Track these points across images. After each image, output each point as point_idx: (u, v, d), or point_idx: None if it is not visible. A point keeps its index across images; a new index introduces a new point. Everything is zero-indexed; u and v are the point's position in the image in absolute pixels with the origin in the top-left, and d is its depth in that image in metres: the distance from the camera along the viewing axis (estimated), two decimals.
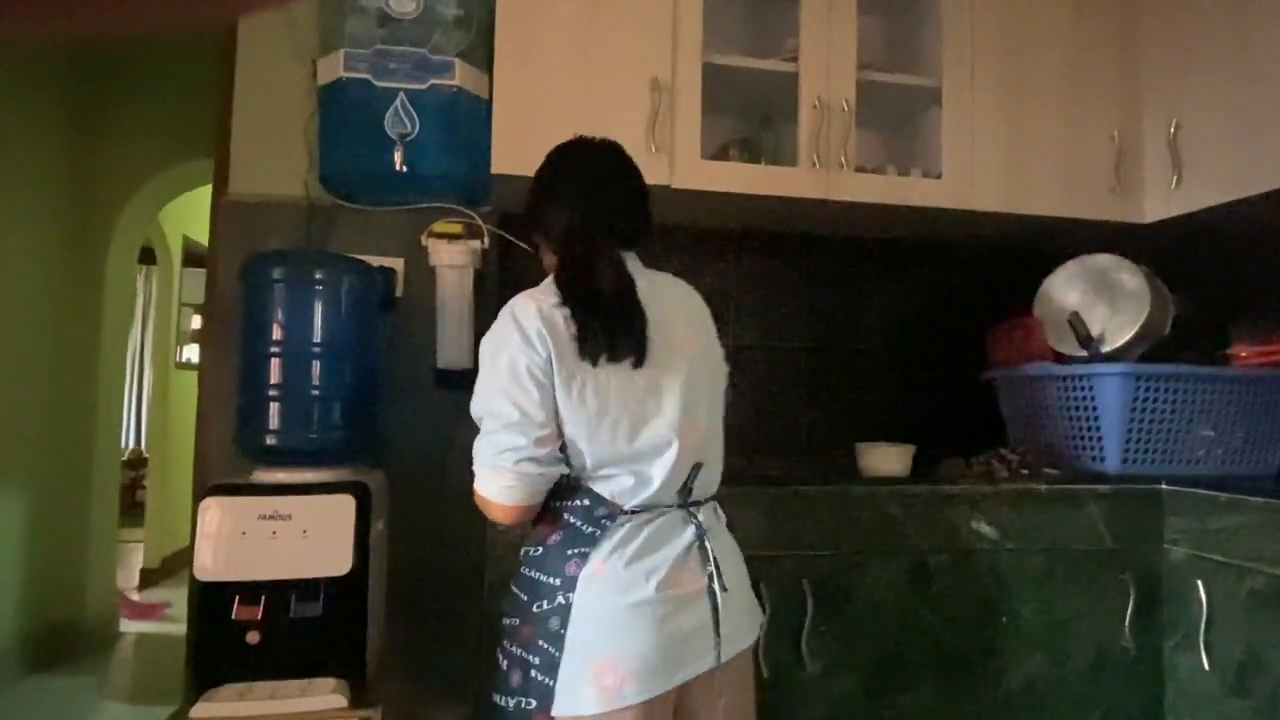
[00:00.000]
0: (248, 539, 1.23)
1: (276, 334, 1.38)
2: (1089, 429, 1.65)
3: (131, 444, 5.46)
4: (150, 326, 4.52)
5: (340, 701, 1.21)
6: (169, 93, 2.99)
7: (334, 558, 1.26)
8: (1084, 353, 1.69)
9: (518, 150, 1.56)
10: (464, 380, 1.78)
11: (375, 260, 1.67)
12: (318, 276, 1.43)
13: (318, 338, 1.42)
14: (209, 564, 1.24)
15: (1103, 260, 1.76)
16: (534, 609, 0.96)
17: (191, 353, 4.55)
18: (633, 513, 0.97)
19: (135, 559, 4.05)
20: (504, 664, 0.99)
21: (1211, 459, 1.64)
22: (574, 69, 1.59)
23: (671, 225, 1.94)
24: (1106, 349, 1.68)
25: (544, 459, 0.95)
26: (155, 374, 4.35)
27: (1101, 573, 1.46)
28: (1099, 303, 1.73)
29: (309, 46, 1.72)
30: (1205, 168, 1.68)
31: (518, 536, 1.25)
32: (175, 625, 3.28)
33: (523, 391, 0.95)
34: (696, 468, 1.01)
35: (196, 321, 4.66)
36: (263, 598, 1.24)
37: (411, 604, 1.66)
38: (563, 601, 0.94)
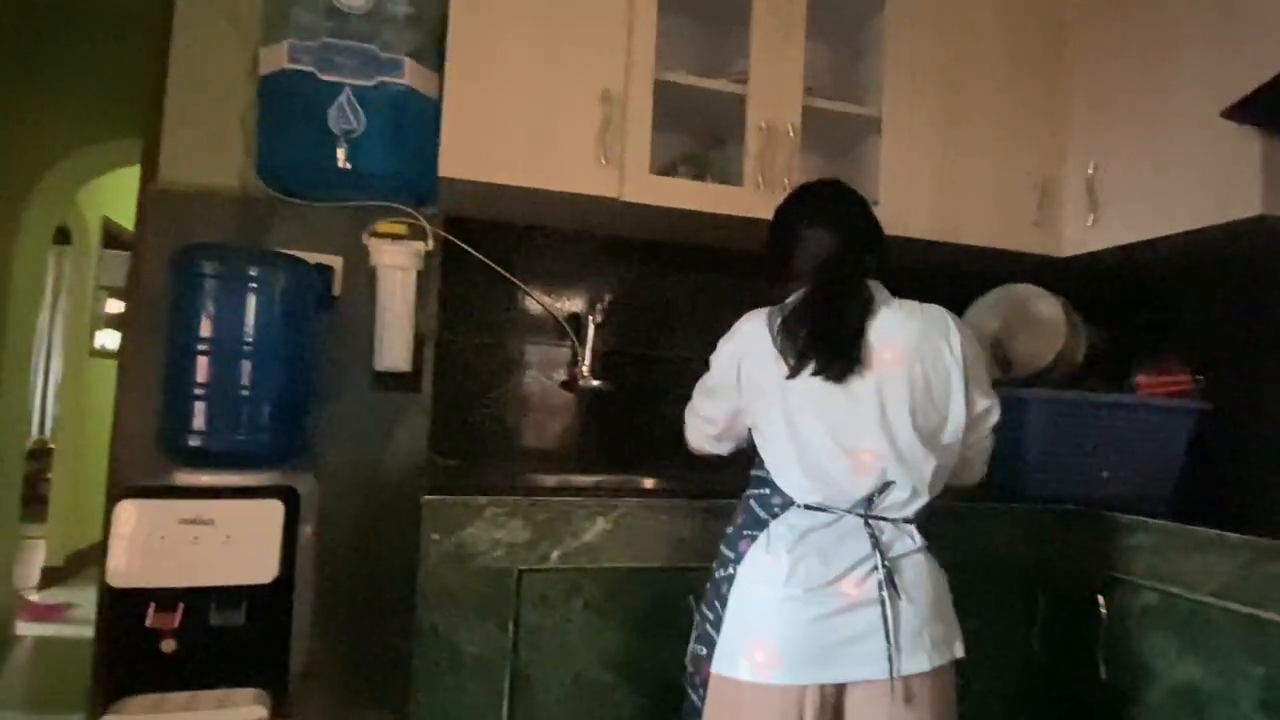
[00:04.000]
0: (166, 543, 1.19)
1: (206, 330, 1.34)
2: (1006, 450, 1.73)
3: (35, 433, 5.13)
4: (61, 310, 4.27)
5: (260, 713, 1.17)
6: (95, 66, 2.83)
7: (259, 565, 1.22)
8: (1004, 377, 1.78)
9: (467, 153, 1.55)
10: (403, 384, 1.76)
11: (313, 257, 1.64)
12: (252, 272, 1.39)
13: (249, 336, 1.38)
14: (123, 569, 1.19)
15: (1024, 290, 1.86)
16: (717, 574, 1.12)
17: (107, 339, 4.32)
18: (807, 509, 1.05)
19: (36, 557, 3.81)
20: (697, 618, 1.15)
21: (1115, 482, 1.75)
22: (526, 76, 1.59)
23: (620, 238, 1.96)
24: (1024, 375, 1.78)
25: (720, 442, 1.24)
26: (66, 360, 4.11)
27: (1014, 587, 1.54)
28: (1019, 330, 1.83)
29: (251, 33, 1.66)
30: (1119, 208, 1.79)
31: (453, 546, 1.25)
32: (79, 628, 3.11)
33: (718, 394, 1.18)
34: (887, 485, 1.04)
35: (114, 306, 4.43)
36: (181, 605, 1.19)
37: (339, 612, 1.63)
38: (732, 572, 1.08)
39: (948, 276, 2.12)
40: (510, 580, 1.26)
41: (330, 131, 1.56)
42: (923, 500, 1.07)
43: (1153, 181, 1.71)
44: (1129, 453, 1.75)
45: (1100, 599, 1.48)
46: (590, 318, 1.86)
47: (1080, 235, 1.88)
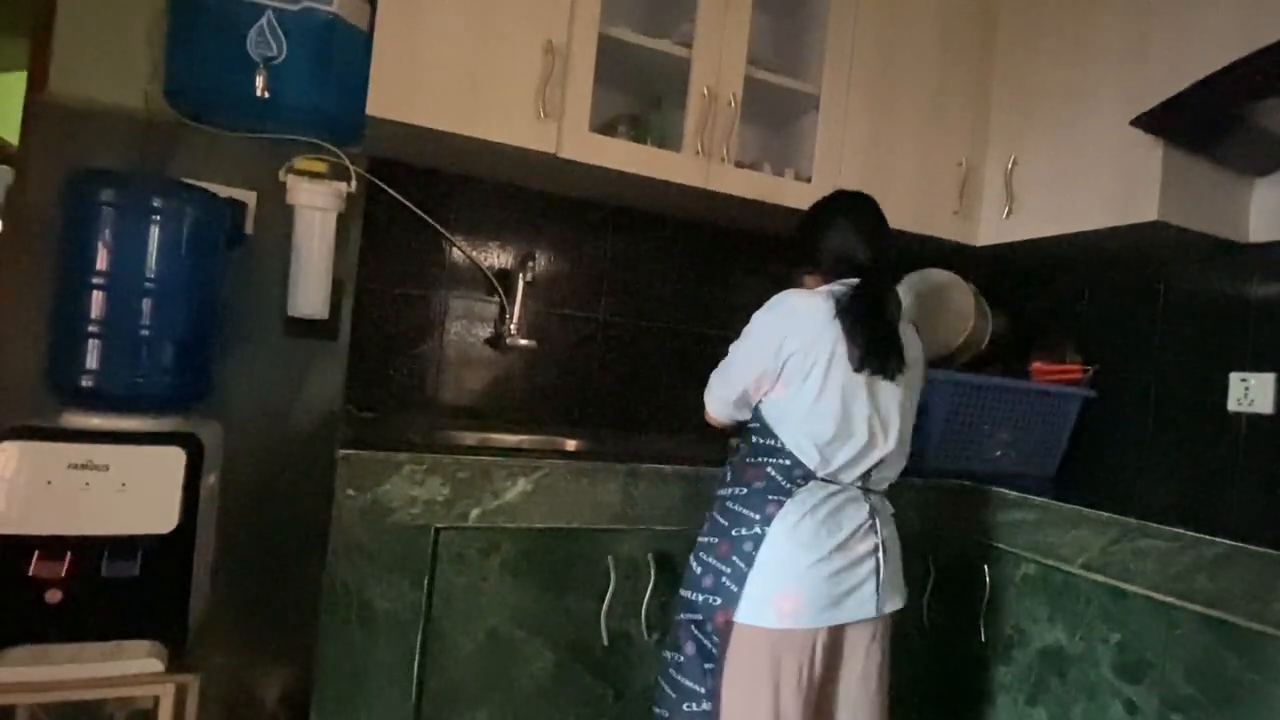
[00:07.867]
0: (54, 489, 1.12)
1: (102, 263, 1.25)
2: (916, 428, 1.82)
3: None
4: None
5: (156, 665, 1.13)
6: None
7: (157, 514, 1.17)
8: None
9: (398, 93, 1.48)
10: (318, 331, 1.69)
11: (223, 190, 1.54)
12: (156, 204, 1.30)
13: (151, 272, 1.29)
14: (2, 514, 1.10)
15: (940, 275, 1.94)
16: (733, 533, 1.21)
17: None
18: (822, 480, 1.21)
19: None
20: (698, 569, 1.23)
21: (1006, 459, 1.88)
22: (465, 17, 1.52)
23: (555, 194, 1.92)
24: (933, 356, 1.86)
25: (737, 410, 1.31)
26: None
27: (909, 555, 1.63)
28: (934, 314, 1.91)
29: None
30: (1032, 203, 1.89)
31: (368, 502, 1.22)
32: None
33: (752, 361, 1.24)
34: (879, 463, 1.25)
35: None
36: (69, 554, 1.12)
37: (243, 564, 1.57)
38: (759, 532, 1.19)
39: None
40: (427, 538, 1.25)
41: (248, 56, 1.45)
42: (895, 477, 1.32)
43: (1065, 180, 1.80)
44: (1021, 433, 1.88)
45: (985, 568, 1.59)
46: (521, 275, 1.82)
47: (995, 226, 1.97)
